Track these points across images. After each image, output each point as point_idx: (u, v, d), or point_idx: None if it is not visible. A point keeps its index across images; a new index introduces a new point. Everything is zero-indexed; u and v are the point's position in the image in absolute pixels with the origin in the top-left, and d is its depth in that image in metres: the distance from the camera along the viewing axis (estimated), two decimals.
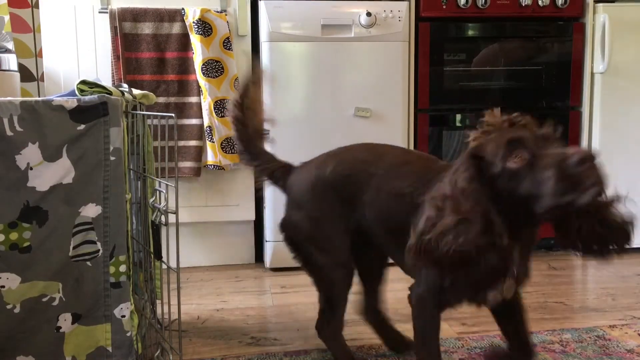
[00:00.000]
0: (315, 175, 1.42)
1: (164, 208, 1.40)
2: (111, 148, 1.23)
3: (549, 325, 1.79)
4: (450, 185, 1.05)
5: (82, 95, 1.25)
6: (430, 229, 1.01)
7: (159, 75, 2.24)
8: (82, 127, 1.21)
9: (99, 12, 2.22)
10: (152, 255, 1.52)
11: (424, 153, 1.56)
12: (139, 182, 1.56)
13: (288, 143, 2.31)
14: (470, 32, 2.44)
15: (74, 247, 1.23)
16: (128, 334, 1.28)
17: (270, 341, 1.71)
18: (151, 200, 1.50)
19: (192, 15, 2.20)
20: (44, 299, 1.23)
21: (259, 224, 2.50)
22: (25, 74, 2.55)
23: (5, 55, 2.11)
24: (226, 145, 2.26)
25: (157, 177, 1.54)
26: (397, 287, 2.19)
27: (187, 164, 2.27)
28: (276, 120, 2.20)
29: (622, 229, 1.08)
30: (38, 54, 2.56)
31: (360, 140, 2.33)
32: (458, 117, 2.46)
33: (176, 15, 2.22)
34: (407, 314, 1.91)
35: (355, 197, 1.36)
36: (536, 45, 2.47)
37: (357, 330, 1.76)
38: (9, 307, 1.21)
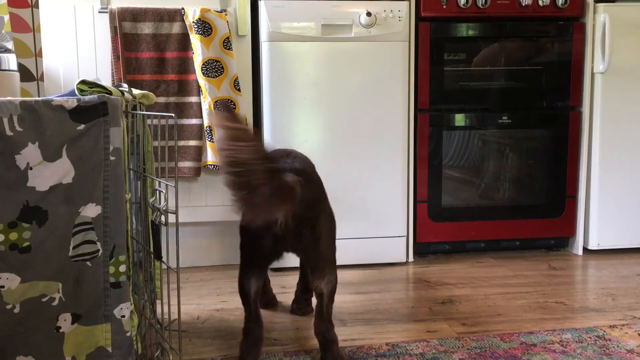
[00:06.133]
0: None
1: (164, 208, 1.40)
2: (111, 148, 1.23)
3: (549, 325, 1.79)
4: None
5: (82, 95, 1.25)
6: None
7: (158, 75, 2.24)
8: (82, 127, 1.21)
9: (99, 12, 2.22)
10: (152, 255, 1.52)
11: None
12: (139, 182, 1.56)
13: (287, 143, 2.31)
14: (470, 32, 2.44)
15: (74, 247, 1.23)
16: (128, 334, 1.28)
17: (270, 341, 1.70)
18: (151, 200, 1.50)
19: (192, 15, 2.20)
20: (44, 299, 1.23)
21: None
22: (25, 74, 2.55)
23: (5, 55, 2.11)
24: None
25: (157, 177, 1.54)
26: (396, 287, 2.19)
27: (187, 164, 2.27)
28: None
29: None
30: (38, 54, 2.56)
31: (360, 140, 2.33)
32: (458, 117, 2.46)
33: (176, 15, 2.22)
34: (407, 314, 1.91)
35: None
36: (536, 45, 2.47)
37: (357, 330, 1.76)
38: (8, 307, 1.21)
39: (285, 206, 1.32)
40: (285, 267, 2.36)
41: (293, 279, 2.24)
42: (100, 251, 1.25)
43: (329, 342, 1.53)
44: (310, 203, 1.45)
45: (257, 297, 1.56)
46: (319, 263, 1.53)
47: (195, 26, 2.19)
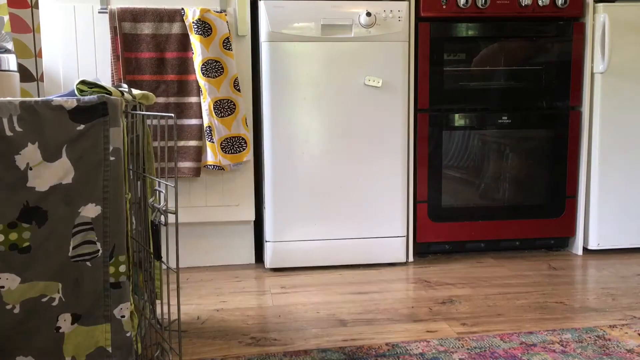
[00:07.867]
0: None
1: (164, 208, 1.40)
2: (111, 148, 1.23)
3: (549, 325, 1.79)
4: None
5: (82, 95, 1.25)
6: None
7: (158, 75, 2.24)
8: (82, 127, 1.21)
9: (99, 12, 2.22)
10: (152, 255, 1.52)
11: None
12: (139, 182, 1.56)
13: (288, 143, 2.31)
14: (470, 32, 2.44)
15: (74, 247, 1.23)
16: (128, 335, 1.28)
17: (270, 341, 1.70)
18: (151, 200, 1.50)
19: (191, 15, 2.20)
20: (44, 299, 1.23)
21: (258, 224, 2.50)
22: (25, 74, 2.55)
23: (4, 56, 2.11)
24: (226, 145, 2.26)
25: (157, 177, 1.54)
26: (396, 288, 2.19)
27: (187, 164, 2.27)
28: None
29: None
30: (37, 54, 2.56)
31: (360, 140, 2.33)
32: (458, 117, 2.46)
33: (176, 15, 2.22)
34: (407, 314, 1.91)
35: None
36: (536, 45, 2.47)
37: (357, 330, 1.76)
38: (8, 307, 1.21)
39: None
40: (285, 267, 2.36)
41: (293, 279, 2.25)
42: (100, 251, 1.25)
43: None
44: None
45: None
46: None
47: (195, 26, 2.19)
